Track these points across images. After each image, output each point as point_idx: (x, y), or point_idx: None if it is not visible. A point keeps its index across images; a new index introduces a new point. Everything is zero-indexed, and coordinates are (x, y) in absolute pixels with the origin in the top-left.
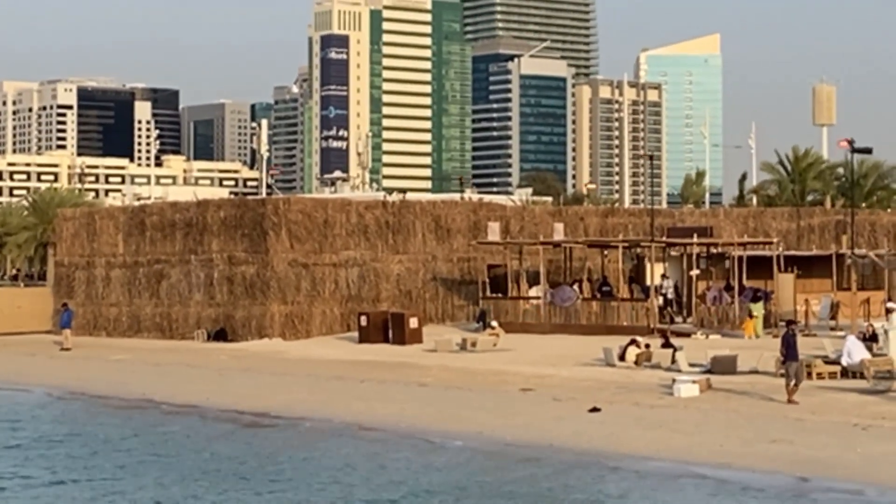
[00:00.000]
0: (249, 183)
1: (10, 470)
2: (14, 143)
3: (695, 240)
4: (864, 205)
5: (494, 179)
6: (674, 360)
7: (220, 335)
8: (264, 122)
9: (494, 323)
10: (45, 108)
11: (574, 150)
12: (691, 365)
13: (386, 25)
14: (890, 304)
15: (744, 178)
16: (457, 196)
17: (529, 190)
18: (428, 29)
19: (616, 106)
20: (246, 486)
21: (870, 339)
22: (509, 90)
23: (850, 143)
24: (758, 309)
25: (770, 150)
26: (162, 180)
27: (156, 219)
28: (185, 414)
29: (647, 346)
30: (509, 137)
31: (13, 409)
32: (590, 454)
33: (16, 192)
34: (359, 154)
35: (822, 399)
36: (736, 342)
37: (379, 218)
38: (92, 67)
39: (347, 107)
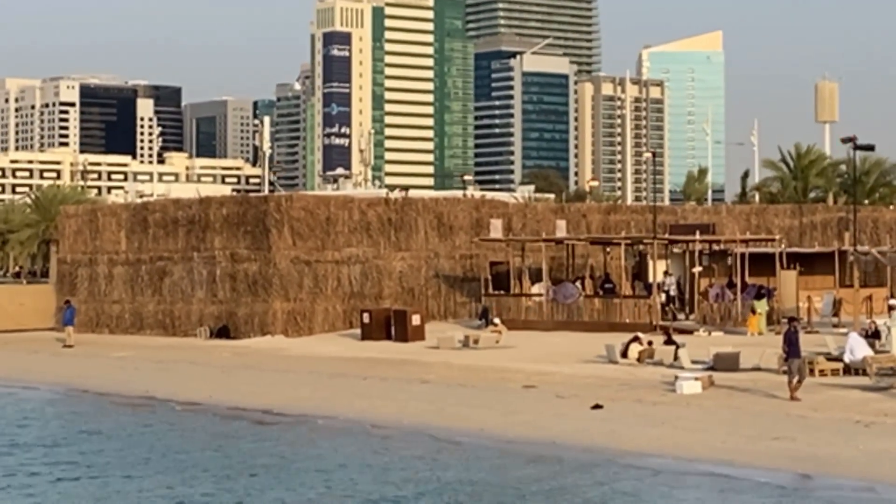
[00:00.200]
0: (252, 180)
1: (31, 468)
2: (17, 141)
3: (697, 237)
4: (866, 202)
5: (497, 176)
6: (676, 358)
7: (222, 332)
8: (267, 120)
9: (497, 320)
10: (47, 106)
11: (576, 147)
12: (694, 362)
13: (388, 22)
14: (892, 301)
15: (746, 175)
16: (459, 193)
17: (532, 187)
18: (430, 26)
19: (618, 103)
20: (265, 483)
21: (872, 335)
22: (511, 87)
23: (853, 140)
24: (761, 306)
25: (772, 147)
26: (164, 177)
27: (158, 216)
28: (198, 412)
29: (650, 343)
30: (512, 134)
31: (24, 407)
32: (593, 451)
33: (18, 189)
34: (361, 151)
35: (824, 396)
36: (738, 339)
37: (381, 215)
38: (94, 64)
39: (350, 104)
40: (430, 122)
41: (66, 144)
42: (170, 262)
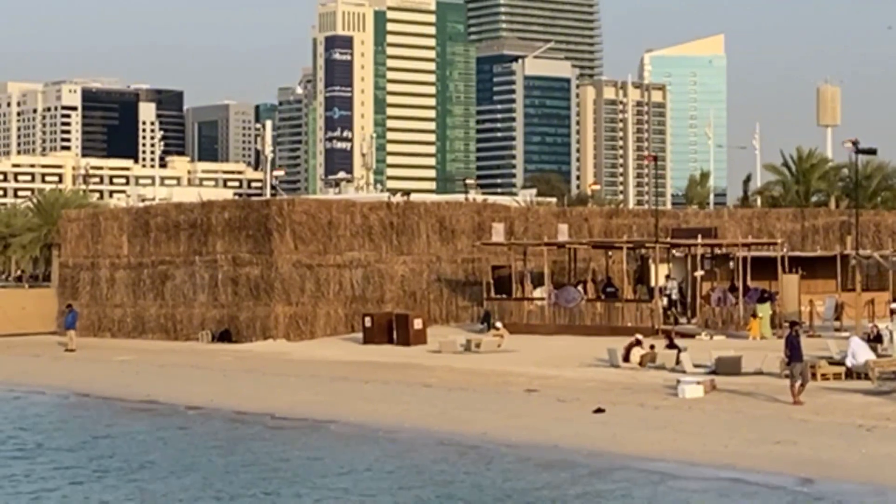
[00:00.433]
0: (254, 184)
1: (49, 473)
2: (18, 145)
3: (699, 241)
4: (868, 205)
5: (499, 180)
6: (678, 361)
7: (224, 336)
8: (268, 124)
9: (499, 324)
10: (49, 110)
11: (578, 150)
12: (696, 366)
13: (390, 26)
14: (894, 305)
15: (748, 178)
16: (461, 197)
17: (534, 191)
18: (432, 30)
19: (620, 107)
20: (304, 486)
21: (874, 339)
22: (513, 91)
23: (855, 143)
24: (765, 310)
25: (774, 150)
26: (166, 181)
27: (160, 220)
28: (208, 416)
29: (652, 346)
30: (513, 138)
31: (33, 412)
32: (595, 455)
33: (20, 193)
34: (363, 155)
35: (826, 400)
36: (740, 343)
37: (383, 219)
38: (96, 68)
39: (351, 108)
40: (432, 125)
41: (67, 148)
42: (171, 266)
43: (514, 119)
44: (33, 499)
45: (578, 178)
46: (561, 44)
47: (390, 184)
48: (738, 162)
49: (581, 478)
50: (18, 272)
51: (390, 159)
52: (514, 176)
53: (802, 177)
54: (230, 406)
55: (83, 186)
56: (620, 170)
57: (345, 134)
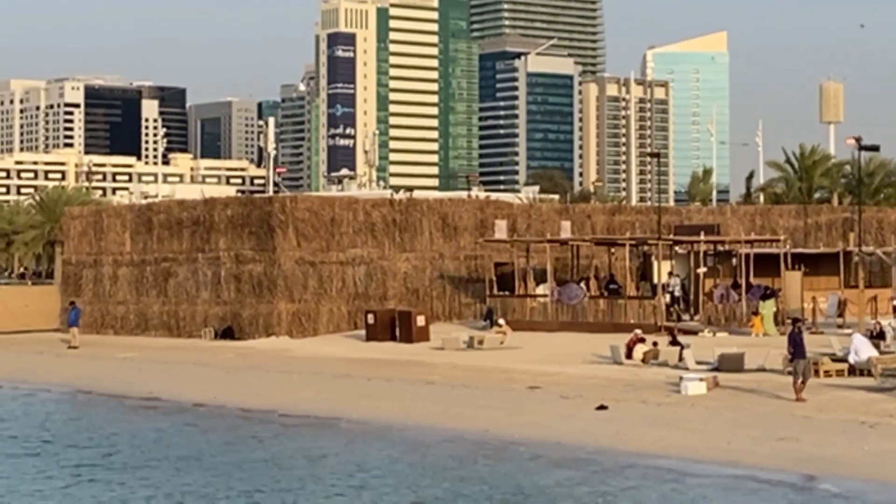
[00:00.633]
0: (256, 181)
1: (58, 472)
2: (21, 142)
3: (702, 237)
4: (871, 202)
5: (501, 177)
6: (681, 358)
7: (227, 333)
8: (271, 121)
9: (501, 321)
10: (52, 107)
11: (581, 147)
12: (698, 363)
13: (393, 23)
14: None
15: (751, 175)
16: (464, 194)
17: (536, 188)
18: (435, 27)
19: (623, 104)
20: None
21: (877, 336)
22: (516, 88)
23: (858, 140)
24: (768, 306)
25: (777, 147)
26: (169, 178)
27: (163, 217)
28: (215, 414)
29: (655, 343)
30: (516, 135)
31: (38, 409)
32: (600, 453)
33: (23, 190)
34: (366, 152)
35: (829, 397)
36: (743, 340)
37: (386, 216)
38: (99, 66)
39: (354, 105)
40: (435, 122)
41: (70, 146)
42: (174, 264)
43: (516, 116)
44: (41, 497)
45: (581, 174)
46: (563, 41)
47: (393, 181)
48: (740, 159)
49: (592, 475)
50: (21, 269)
51: (393, 156)
52: (516, 173)
53: (805, 173)
54: (234, 403)
55: (86, 184)
56: (623, 167)
57: (347, 131)
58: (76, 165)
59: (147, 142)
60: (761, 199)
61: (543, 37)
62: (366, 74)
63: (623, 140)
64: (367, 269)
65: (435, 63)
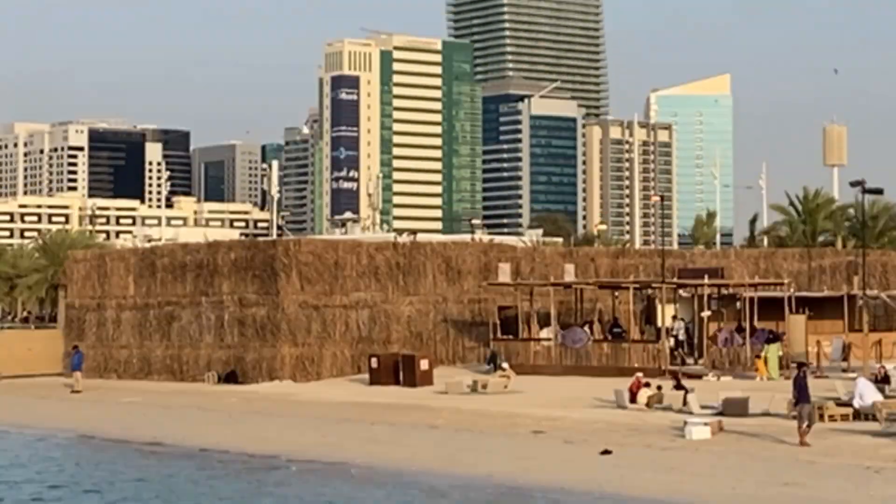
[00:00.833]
0: (260, 224)
1: None
2: (25, 185)
3: (706, 281)
4: (875, 245)
5: (505, 220)
6: (685, 402)
7: (230, 377)
8: (275, 164)
9: (505, 365)
10: (56, 150)
11: (584, 190)
12: (703, 407)
13: (396, 66)
14: None
15: (755, 218)
16: (467, 237)
17: (540, 231)
18: (438, 69)
19: (626, 146)
20: None
21: (882, 380)
22: (520, 130)
23: (862, 183)
24: (774, 350)
25: (781, 190)
26: (173, 222)
27: (166, 260)
28: (220, 459)
29: (659, 387)
30: (520, 178)
31: (42, 454)
32: (605, 498)
33: (27, 233)
34: (369, 195)
35: (834, 441)
36: (748, 384)
37: (389, 259)
38: (103, 109)
39: (358, 147)
40: (439, 165)
41: (74, 189)
42: (178, 307)
43: (520, 158)
44: None
45: (585, 217)
46: (567, 83)
47: (397, 224)
48: (744, 202)
49: None
50: (25, 313)
51: (397, 199)
52: (520, 216)
53: (809, 217)
54: (239, 448)
55: (90, 227)
56: (627, 209)
57: (351, 174)
58: (80, 209)
59: (151, 185)
60: (765, 242)
61: (547, 79)
62: (369, 117)
63: (626, 183)
64: (370, 313)
65: (438, 106)
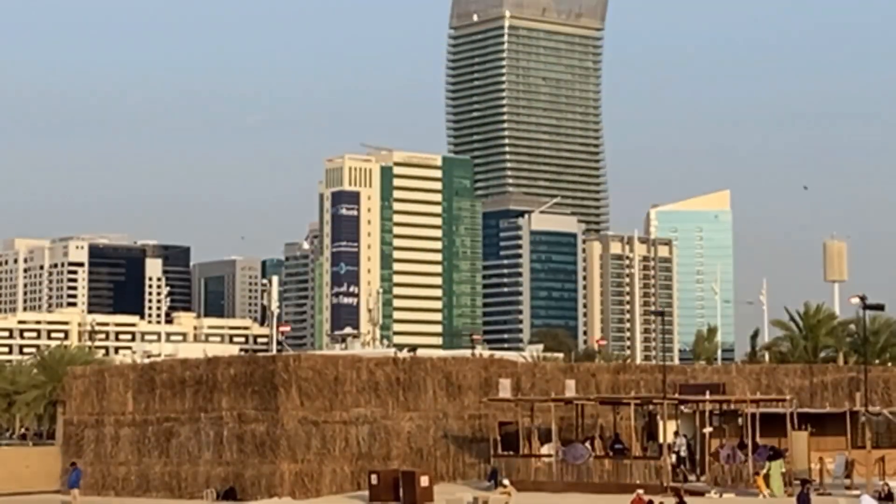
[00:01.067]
0: (260, 339)
1: None
2: (25, 301)
3: (707, 397)
4: (877, 361)
5: (505, 335)
6: None
7: (229, 494)
8: (275, 279)
9: (506, 481)
10: (56, 266)
11: (585, 305)
12: None
13: (397, 182)
14: None
15: (756, 334)
16: (468, 352)
17: (540, 346)
18: (438, 185)
19: (627, 262)
20: None
21: (885, 497)
22: (520, 246)
23: (863, 299)
24: (777, 467)
25: (781, 305)
26: (172, 337)
27: (166, 376)
28: None
29: None
30: (520, 293)
31: None
32: None
33: (26, 349)
34: (369, 310)
35: None
36: (751, 500)
37: (389, 374)
38: (103, 224)
39: (358, 263)
40: (439, 280)
41: (74, 304)
42: (177, 423)
43: (520, 274)
44: None
45: (585, 333)
46: (567, 199)
47: (397, 339)
48: (745, 317)
49: None
50: (23, 430)
51: (397, 314)
52: (520, 331)
53: (810, 332)
54: None
55: (89, 343)
56: (627, 325)
57: (351, 289)
58: (79, 324)
59: (150, 300)
60: (766, 357)
61: (546, 195)
62: (370, 233)
63: (627, 298)
64: (370, 429)
65: (439, 221)
